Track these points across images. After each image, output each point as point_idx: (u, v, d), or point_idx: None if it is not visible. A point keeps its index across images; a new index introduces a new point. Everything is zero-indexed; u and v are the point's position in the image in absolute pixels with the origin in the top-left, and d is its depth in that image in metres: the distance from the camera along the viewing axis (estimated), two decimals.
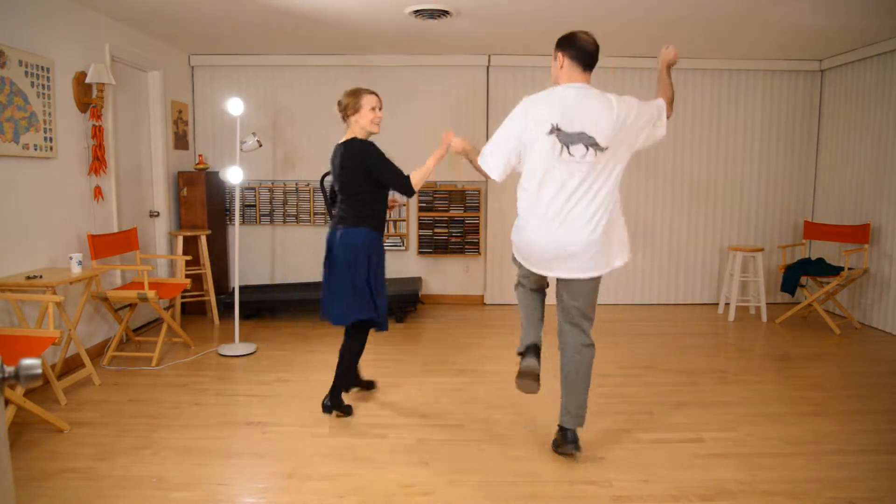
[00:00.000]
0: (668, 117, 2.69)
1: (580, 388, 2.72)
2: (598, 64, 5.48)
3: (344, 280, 3.04)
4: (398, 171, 3.07)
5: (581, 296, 2.69)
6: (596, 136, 2.49)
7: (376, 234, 3.12)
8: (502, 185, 5.75)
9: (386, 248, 6.00)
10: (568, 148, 2.49)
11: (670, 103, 2.71)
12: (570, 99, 2.52)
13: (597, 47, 2.61)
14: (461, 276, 6.12)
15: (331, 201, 3.35)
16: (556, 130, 2.49)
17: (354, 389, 3.58)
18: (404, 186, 3.06)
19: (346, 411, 3.25)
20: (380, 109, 3.13)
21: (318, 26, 4.69)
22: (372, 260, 3.07)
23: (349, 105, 3.10)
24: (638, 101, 2.63)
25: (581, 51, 2.57)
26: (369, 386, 3.65)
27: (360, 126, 3.10)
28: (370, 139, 3.12)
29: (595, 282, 2.69)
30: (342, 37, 5.04)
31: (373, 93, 3.12)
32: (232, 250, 5.85)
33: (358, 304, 3.06)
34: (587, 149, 2.49)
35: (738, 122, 5.98)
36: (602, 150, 2.50)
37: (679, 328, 5.25)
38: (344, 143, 3.10)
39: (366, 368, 4.05)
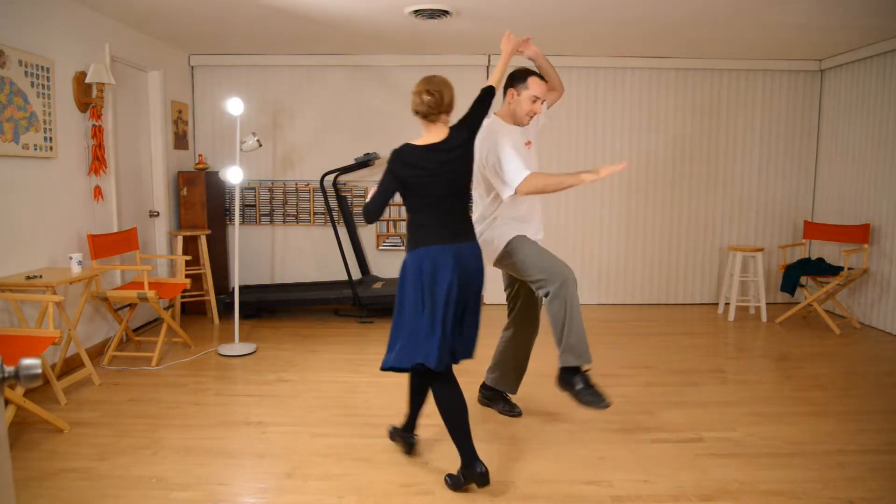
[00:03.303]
0: (524, 190, 2.77)
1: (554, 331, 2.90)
2: (595, 64, 5.61)
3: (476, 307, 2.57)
4: (478, 103, 2.62)
5: None
6: None
7: None
8: None
9: (386, 248, 6.06)
10: None
11: (538, 188, 2.80)
12: None
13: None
14: None
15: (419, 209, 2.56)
16: None
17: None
18: (487, 96, 2.64)
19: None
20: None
21: (318, 26, 4.69)
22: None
23: (452, 100, 2.53)
24: (493, 151, 2.83)
25: None
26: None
27: (446, 123, 2.57)
28: None
29: (499, 268, 3.08)
30: (342, 37, 5.04)
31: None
32: (232, 250, 5.85)
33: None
34: None
35: (738, 122, 5.97)
36: None
37: (679, 328, 5.25)
38: (458, 132, 2.54)
39: (365, 368, 4.05)
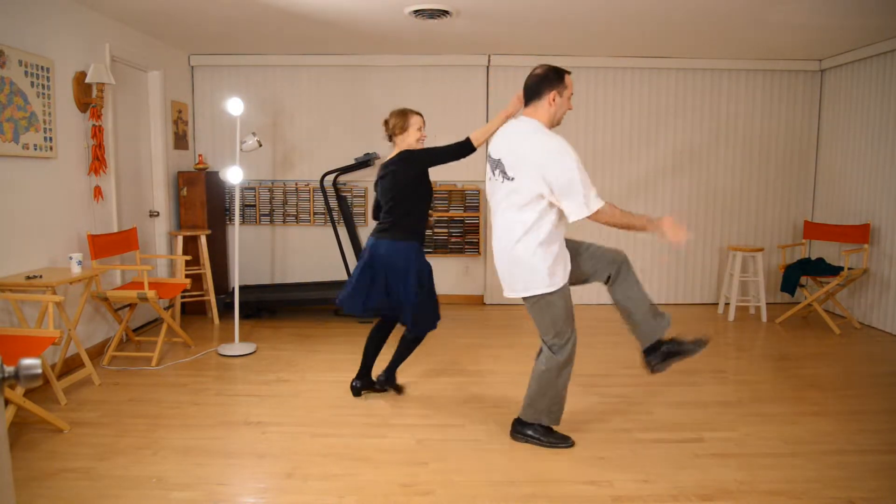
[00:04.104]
0: (595, 219, 2.62)
1: (531, 386, 2.92)
2: (595, 64, 5.48)
3: (401, 289, 3.24)
4: (448, 146, 3.18)
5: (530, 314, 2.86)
6: (505, 163, 2.74)
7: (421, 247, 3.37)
8: None
9: None
10: (491, 171, 2.82)
11: (610, 221, 2.63)
12: (504, 130, 2.85)
13: (532, 81, 2.74)
14: (461, 276, 6.12)
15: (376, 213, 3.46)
16: (488, 157, 2.86)
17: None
18: (462, 147, 3.14)
19: (399, 389, 3.60)
20: (423, 128, 3.31)
21: (318, 26, 4.69)
22: (416, 272, 3.29)
23: (397, 125, 3.27)
24: (564, 169, 2.55)
25: (524, 87, 2.79)
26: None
27: (406, 144, 3.26)
28: None
29: (529, 302, 2.78)
30: (342, 37, 5.04)
31: (418, 114, 3.31)
32: (232, 250, 5.85)
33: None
34: (494, 172, 2.79)
35: (738, 122, 5.98)
36: (509, 178, 2.72)
37: (679, 328, 5.22)
38: (399, 155, 3.25)
39: None
